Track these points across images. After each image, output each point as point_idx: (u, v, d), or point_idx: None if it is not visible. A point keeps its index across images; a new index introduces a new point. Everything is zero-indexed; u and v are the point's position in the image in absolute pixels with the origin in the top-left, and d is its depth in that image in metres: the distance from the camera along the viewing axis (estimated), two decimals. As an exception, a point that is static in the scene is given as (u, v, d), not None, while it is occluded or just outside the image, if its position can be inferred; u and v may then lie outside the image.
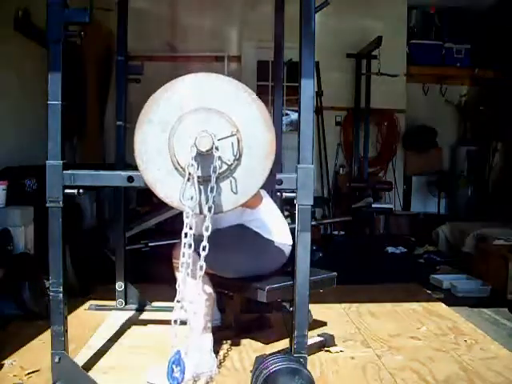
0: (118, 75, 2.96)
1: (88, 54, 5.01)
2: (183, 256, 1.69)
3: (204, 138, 1.63)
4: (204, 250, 1.68)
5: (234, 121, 1.69)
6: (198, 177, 1.66)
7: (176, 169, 1.70)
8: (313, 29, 1.81)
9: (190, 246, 1.69)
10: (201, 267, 1.68)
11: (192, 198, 1.66)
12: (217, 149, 1.64)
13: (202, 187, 1.68)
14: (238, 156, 1.68)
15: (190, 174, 1.65)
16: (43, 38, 1.89)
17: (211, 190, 1.66)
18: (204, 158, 1.65)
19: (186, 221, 1.67)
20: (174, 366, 1.67)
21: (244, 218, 2.28)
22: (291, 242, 2.29)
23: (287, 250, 2.32)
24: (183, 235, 1.68)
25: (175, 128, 1.68)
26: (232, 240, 2.21)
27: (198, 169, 1.65)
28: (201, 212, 1.70)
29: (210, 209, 1.68)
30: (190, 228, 1.68)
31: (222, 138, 1.65)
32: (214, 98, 1.70)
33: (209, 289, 2.15)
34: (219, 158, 1.65)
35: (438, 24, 6.33)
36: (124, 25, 2.87)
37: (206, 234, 1.68)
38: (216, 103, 1.69)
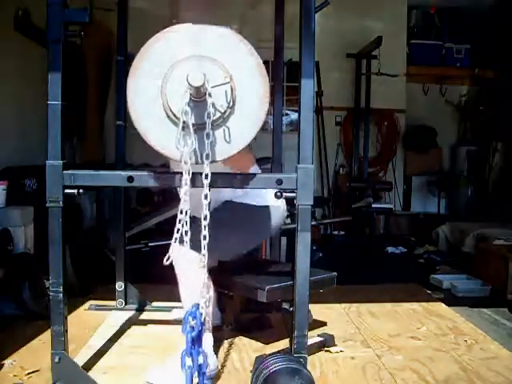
0: (118, 75, 2.96)
1: (88, 54, 5.01)
2: (177, 232, 1.67)
3: (195, 72, 1.59)
4: (205, 219, 1.65)
5: (228, 69, 1.67)
6: (192, 124, 1.64)
7: (169, 117, 1.68)
8: (313, 29, 1.81)
9: (187, 223, 1.67)
10: (203, 256, 1.66)
11: (187, 145, 1.64)
12: (210, 95, 1.62)
13: (196, 135, 1.66)
14: (231, 104, 1.66)
15: (184, 122, 1.62)
16: (43, 38, 1.89)
17: (207, 137, 1.64)
18: (197, 104, 1.63)
19: (184, 168, 1.65)
20: (190, 318, 1.60)
21: (233, 194, 2.27)
22: (282, 204, 2.32)
23: (282, 209, 2.35)
24: (179, 212, 1.65)
25: (168, 75, 1.66)
26: (226, 219, 2.18)
27: (191, 116, 1.63)
28: (196, 161, 1.68)
29: (207, 156, 1.66)
30: (187, 197, 1.66)
31: (215, 86, 1.63)
32: (208, 46, 1.68)
33: (210, 289, 2.14)
34: (213, 104, 1.63)
35: (438, 24, 6.33)
36: (124, 25, 2.87)
37: (205, 203, 1.65)
38: (210, 51, 1.67)
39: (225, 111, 1.67)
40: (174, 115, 1.66)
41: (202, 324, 1.62)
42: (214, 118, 1.65)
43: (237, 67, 1.69)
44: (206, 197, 1.67)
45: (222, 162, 1.79)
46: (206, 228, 1.66)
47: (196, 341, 1.58)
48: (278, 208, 2.33)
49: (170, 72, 1.66)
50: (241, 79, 1.69)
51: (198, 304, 1.64)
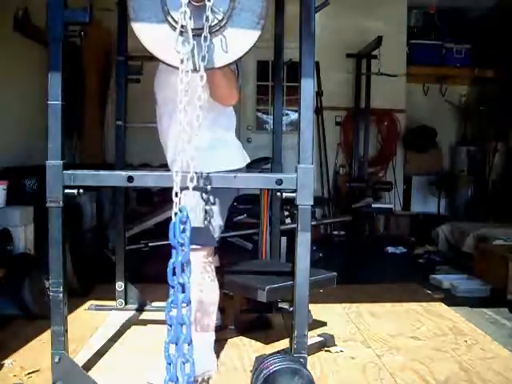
0: (117, 75, 2.96)
1: (88, 54, 5.02)
2: (176, 196, 1.51)
3: None
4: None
5: None
6: (191, 29, 1.61)
7: (167, 20, 1.67)
8: (313, 29, 1.81)
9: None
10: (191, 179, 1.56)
11: (185, 46, 1.61)
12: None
13: (193, 40, 1.63)
14: (229, 12, 1.66)
15: (182, 26, 1.60)
16: (43, 38, 1.89)
17: (204, 40, 1.62)
18: (196, 9, 1.63)
19: (181, 68, 1.59)
20: (180, 225, 1.47)
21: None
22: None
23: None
24: (179, 90, 1.57)
25: None
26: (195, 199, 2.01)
27: (190, 18, 1.60)
28: (194, 65, 1.64)
29: (203, 58, 1.63)
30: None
31: None
32: None
33: (215, 288, 2.12)
34: (211, 9, 1.62)
35: (437, 24, 6.34)
36: (124, 25, 2.86)
37: (196, 125, 1.55)
38: None
39: (222, 18, 1.66)
40: (173, 18, 1.65)
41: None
42: (212, 23, 1.64)
43: None
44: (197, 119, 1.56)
45: (210, 79, 1.76)
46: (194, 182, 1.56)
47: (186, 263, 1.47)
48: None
49: None
50: None
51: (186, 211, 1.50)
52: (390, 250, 5.12)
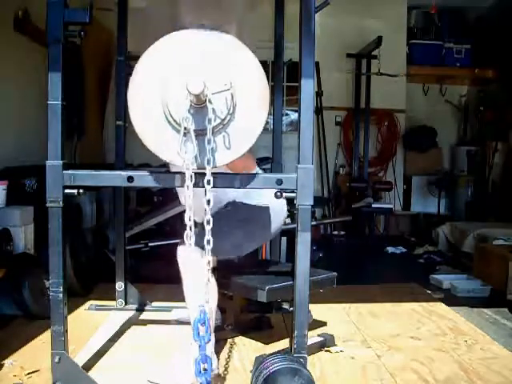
0: (118, 75, 2.96)
1: (88, 54, 5.01)
2: (188, 239, 1.64)
3: (195, 80, 1.59)
4: (208, 223, 1.64)
5: (228, 74, 1.67)
6: (193, 130, 1.64)
7: (169, 122, 1.68)
8: (313, 29, 1.81)
9: (192, 228, 1.66)
10: (208, 262, 1.65)
11: (188, 152, 1.64)
12: (210, 101, 1.63)
13: (197, 141, 1.65)
14: (231, 110, 1.67)
15: (185, 128, 1.63)
16: (43, 38, 1.89)
17: (208, 143, 1.64)
18: (198, 111, 1.64)
19: (187, 173, 1.64)
20: (199, 325, 1.61)
21: (234, 194, 2.28)
22: (284, 202, 2.32)
23: (283, 209, 2.35)
24: (186, 219, 1.64)
25: (168, 82, 1.66)
26: (230, 219, 2.20)
27: (192, 122, 1.63)
28: (198, 166, 1.68)
29: (208, 161, 1.65)
30: (191, 209, 1.64)
31: (216, 92, 1.64)
32: (208, 51, 1.68)
33: (214, 289, 2.13)
34: (213, 110, 1.64)
35: (438, 24, 6.34)
36: (124, 25, 2.87)
37: (207, 208, 1.65)
38: (210, 57, 1.68)
39: (225, 117, 1.67)
40: (175, 121, 1.67)
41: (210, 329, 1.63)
42: (215, 123, 1.65)
43: (237, 74, 1.69)
44: (208, 202, 1.66)
45: (225, 165, 1.80)
46: (210, 233, 1.65)
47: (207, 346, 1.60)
48: (279, 207, 2.32)
49: (170, 78, 1.67)
50: (241, 86, 1.69)
51: (205, 309, 1.63)
52: (390, 250, 5.12)
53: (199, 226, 1.71)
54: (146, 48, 1.71)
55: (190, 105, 1.63)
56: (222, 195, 2.26)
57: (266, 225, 2.33)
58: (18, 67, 3.86)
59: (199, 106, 1.63)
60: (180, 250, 2.18)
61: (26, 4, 3.79)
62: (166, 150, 1.70)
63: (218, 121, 1.66)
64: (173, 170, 2.15)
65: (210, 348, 2.10)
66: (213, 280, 2.11)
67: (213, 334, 2.13)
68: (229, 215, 2.23)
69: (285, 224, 2.61)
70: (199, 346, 1.58)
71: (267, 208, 2.30)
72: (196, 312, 1.66)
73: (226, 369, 2.17)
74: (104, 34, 4.89)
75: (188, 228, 1.65)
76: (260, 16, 5.51)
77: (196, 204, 1.68)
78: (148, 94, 1.69)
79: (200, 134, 1.65)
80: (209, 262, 1.66)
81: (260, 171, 2.32)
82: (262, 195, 2.28)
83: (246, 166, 2.14)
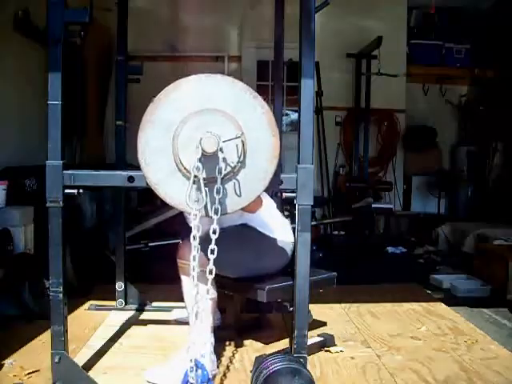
0: (118, 75, 2.96)
1: (88, 54, 5.01)
2: (193, 260, 1.66)
3: (209, 139, 1.61)
4: (212, 253, 1.65)
5: (239, 123, 1.68)
6: (204, 178, 1.65)
7: (179, 170, 1.69)
8: (313, 29, 1.81)
9: (199, 249, 1.67)
10: (210, 271, 1.66)
11: (198, 200, 1.65)
12: (221, 150, 1.63)
13: (206, 189, 1.66)
14: (242, 158, 1.67)
15: (195, 176, 1.63)
16: (43, 38, 1.89)
17: (217, 192, 1.64)
18: (208, 159, 1.64)
19: (193, 223, 1.65)
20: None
21: (245, 216, 2.28)
22: (293, 240, 2.29)
23: (289, 248, 2.32)
24: (192, 238, 1.66)
25: (179, 129, 1.67)
26: (235, 239, 2.20)
27: (202, 171, 1.63)
28: (207, 214, 1.68)
29: (216, 211, 1.66)
30: (198, 230, 1.66)
31: (226, 140, 1.64)
32: (219, 99, 1.69)
33: (212, 289, 2.14)
34: (224, 159, 1.64)
35: (438, 24, 6.33)
36: (124, 25, 2.87)
37: (213, 237, 1.65)
38: (221, 105, 1.68)
39: (235, 166, 1.67)
40: (185, 169, 1.67)
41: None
42: (225, 172, 1.66)
43: (247, 120, 1.69)
44: (212, 252, 1.66)
45: None
46: (212, 275, 1.66)
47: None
48: (286, 243, 2.32)
49: (181, 125, 1.67)
50: (251, 133, 1.69)
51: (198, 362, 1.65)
52: (390, 249, 5.11)
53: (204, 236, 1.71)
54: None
55: (201, 154, 1.63)
56: (238, 217, 2.27)
57: (270, 256, 2.31)
58: (18, 67, 3.86)
59: (210, 154, 1.64)
60: (180, 253, 2.18)
61: (25, 4, 3.80)
62: (177, 197, 1.70)
63: (228, 169, 1.67)
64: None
65: (210, 348, 2.11)
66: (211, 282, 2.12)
67: (212, 334, 2.14)
68: (239, 234, 2.24)
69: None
70: None
71: (274, 240, 2.30)
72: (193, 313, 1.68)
73: (226, 369, 2.17)
74: (104, 34, 4.89)
75: (194, 248, 1.67)
76: (260, 16, 5.52)
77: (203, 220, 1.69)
78: (158, 142, 1.69)
79: (210, 181, 1.66)
80: (211, 271, 1.66)
81: (270, 201, 2.37)
82: (266, 227, 2.29)
83: (251, 207, 2.11)
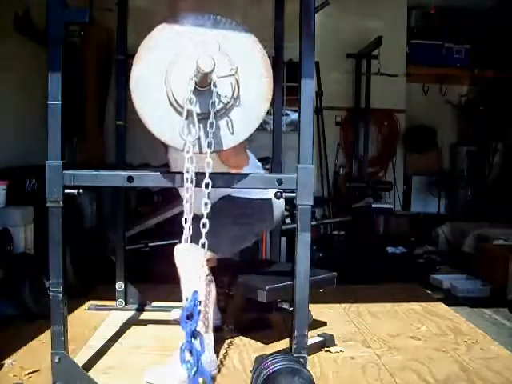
0: (118, 75, 2.96)
1: (88, 54, 5.01)
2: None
3: (206, 58, 1.58)
4: (204, 226, 1.61)
5: (234, 60, 1.67)
6: (197, 114, 1.63)
7: (172, 105, 1.68)
8: (313, 29, 1.81)
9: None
10: (203, 245, 1.62)
11: (191, 132, 1.63)
12: (215, 85, 1.62)
13: (199, 125, 1.65)
14: (235, 95, 1.67)
15: (188, 110, 1.62)
16: (43, 38, 1.89)
17: (210, 126, 1.64)
18: (201, 94, 1.63)
19: (186, 156, 1.63)
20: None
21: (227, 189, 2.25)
22: (271, 196, 2.29)
23: (275, 204, 2.31)
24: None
25: (173, 63, 1.66)
26: (225, 214, 2.16)
27: (196, 105, 1.62)
28: (200, 149, 1.67)
29: (209, 144, 1.65)
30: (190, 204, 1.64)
31: (221, 76, 1.63)
32: (215, 36, 1.69)
33: (212, 288, 2.13)
34: (217, 94, 1.63)
35: (438, 24, 6.33)
36: (124, 25, 2.87)
37: (205, 210, 1.62)
38: (216, 41, 1.68)
39: (228, 102, 1.66)
40: (178, 103, 1.66)
41: (199, 314, 1.57)
42: (218, 108, 1.65)
43: (243, 61, 1.69)
44: (206, 186, 1.64)
45: (218, 156, 1.80)
46: (204, 235, 1.62)
47: (195, 334, 1.55)
48: (276, 201, 2.27)
49: (175, 60, 1.66)
50: (246, 74, 1.69)
51: (196, 292, 1.56)
52: (390, 250, 5.11)
53: (195, 223, 1.69)
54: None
55: (195, 87, 1.61)
56: (213, 191, 2.21)
57: (264, 216, 2.29)
58: (18, 67, 3.86)
59: (203, 88, 1.63)
60: (177, 249, 2.17)
61: (26, 4, 3.79)
62: (169, 133, 1.69)
63: (221, 105, 1.65)
64: (173, 169, 2.15)
65: (210, 348, 2.11)
66: (211, 278, 2.11)
67: (212, 334, 2.13)
68: (224, 210, 2.18)
69: (284, 224, 2.62)
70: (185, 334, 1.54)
71: (265, 200, 2.26)
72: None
73: (226, 369, 2.17)
74: (104, 34, 4.89)
75: (187, 222, 1.64)
76: (260, 16, 5.52)
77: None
78: (150, 77, 1.68)
79: (203, 117, 1.65)
80: (207, 260, 1.65)
81: (260, 167, 2.32)
82: (259, 191, 2.23)
83: (238, 163, 2.12)
